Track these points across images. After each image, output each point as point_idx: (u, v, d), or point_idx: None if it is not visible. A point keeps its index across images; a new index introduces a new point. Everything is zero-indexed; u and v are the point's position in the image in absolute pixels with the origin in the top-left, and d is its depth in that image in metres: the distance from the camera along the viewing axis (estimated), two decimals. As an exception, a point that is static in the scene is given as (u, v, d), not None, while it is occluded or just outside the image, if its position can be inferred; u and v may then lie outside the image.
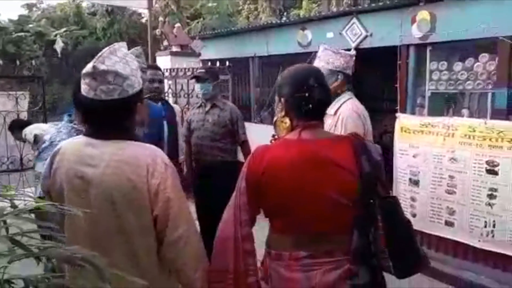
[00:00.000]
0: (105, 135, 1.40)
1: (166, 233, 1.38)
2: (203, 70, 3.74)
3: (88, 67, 1.35)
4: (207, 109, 3.66)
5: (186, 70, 6.22)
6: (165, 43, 6.98)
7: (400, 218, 1.53)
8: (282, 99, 1.56)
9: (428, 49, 4.04)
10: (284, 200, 1.46)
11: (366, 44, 4.59)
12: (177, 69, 6.38)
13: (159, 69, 3.63)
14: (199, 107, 3.74)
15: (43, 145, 1.84)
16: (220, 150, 3.56)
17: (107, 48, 1.43)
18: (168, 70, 6.50)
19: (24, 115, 5.49)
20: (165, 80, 6.37)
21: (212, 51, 6.85)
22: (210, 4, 19.49)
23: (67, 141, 1.50)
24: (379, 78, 6.88)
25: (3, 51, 16.17)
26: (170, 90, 6.51)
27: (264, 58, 6.21)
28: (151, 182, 1.34)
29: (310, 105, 1.50)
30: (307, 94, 1.50)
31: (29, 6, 22.23)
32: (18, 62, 15.34)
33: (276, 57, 6.00)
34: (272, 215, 1.54)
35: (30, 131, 3.55)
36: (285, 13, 22.24)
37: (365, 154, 1.47)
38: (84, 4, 19.22)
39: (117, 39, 19.14)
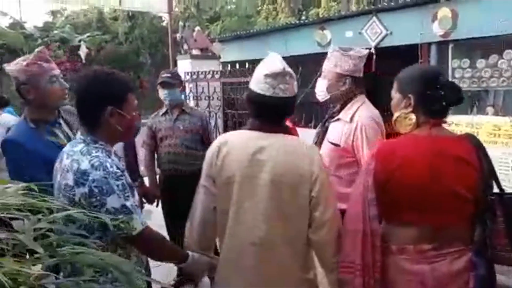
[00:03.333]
0: (272, 129, 1.60)
1: (318, 214, 1.57)
2: (169, 75, 3.41)
3: (275, 68, 1.57)
4: (174, 116, 3.37)
5: (207, 73, 6.29)
6: (185, 46, 7.05)
7: None
8: (411, 96, 1.59)
9: (450, 46, 3.98)
10: (415, 194, 1.52)
11: (386, 43, 4.56)
12: (198, 72, 6.45)
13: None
14: (164, 114, 3.43)
15: (96, 176, 1.40)
16: (195, 158, 3.27)
17: (272, 55, 1.67)
18: (189, 74, 6.59)
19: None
20: (186, 84, 6.47)
21: (232, 53, 6.91)
22: (229, 7, 19.59)
23: (232, 135, 1.68)
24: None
25: (30, 57, 16.69)
26: (191, 93, 6.60)
27: (284, 58, 6.18)
28: (313, 169, 1.56)
29: (444, 103, 1.57)
30: (442, 92, 1.55)
31: (54, 13, 22.83)
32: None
33: (295, 58, 6.00)
34: (399, 209, 1.57)
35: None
36: (304, 12, 22.17)
37: (483, 153, 1.57)
38: (106, 10, 19.59)
39: (138, 43, 19.46)
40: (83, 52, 9.17)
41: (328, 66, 2.32)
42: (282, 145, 1.58)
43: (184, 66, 6.99)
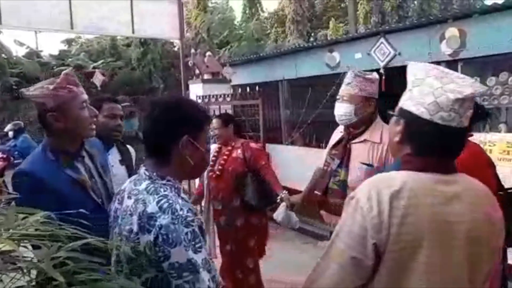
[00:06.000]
0: (450, 168, 1.21)
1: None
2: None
3: (467, 90, 1.13)
4: None
5: (218, 96, 6.38)
6: (197, 71, 7.18)
7: None
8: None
9: (459, 65, 3.99)
10: None
11: (395, 63, 4.59)
12: (209, 95, 6.55)
13: (119, 102, 2.79)
14: None
15: (164, 221, 1.17)
16: None
17: (435, 67, 1.25)
18: (201, 97, 6.69)
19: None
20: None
21: (242, 77, 7.01)
22: (237, 32, 19.94)
23: (404, 181, 1.15)
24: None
25: (46, 85, 17.12)
26: (202, 116, 6.69)
27: (293, 80, 6.29)
28: (500, 214, 1.22)
29: None
30: None
31: (69, 41, 23.48)
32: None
33: (305, 79, 6.07)
34: None
35: None
36: (312, 34, 22.44)
37: None
38: (119, 37, 20.07)
39: (151, 68, 19.84)
40: (98, 80, 9.38)
41: (351, 91, 2.36)
42: (472, 188, 1.20)
43: (196, 90, 7.09)
